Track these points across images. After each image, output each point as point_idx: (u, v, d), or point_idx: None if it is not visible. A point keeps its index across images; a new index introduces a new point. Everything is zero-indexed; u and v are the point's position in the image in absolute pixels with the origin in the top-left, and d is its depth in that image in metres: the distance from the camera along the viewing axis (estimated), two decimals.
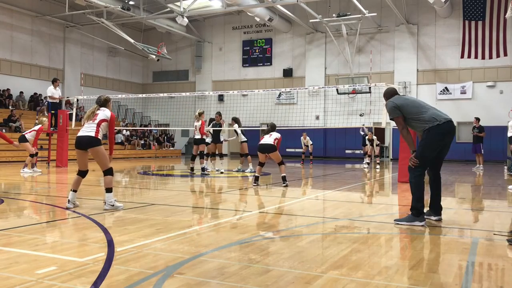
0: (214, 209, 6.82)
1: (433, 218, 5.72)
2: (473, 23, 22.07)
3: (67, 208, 6.37)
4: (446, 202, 6.98)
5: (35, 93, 23.87)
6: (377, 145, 18.19)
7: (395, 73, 24.97)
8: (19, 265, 3.65)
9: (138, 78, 32.02)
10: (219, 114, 14.08)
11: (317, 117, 25.44)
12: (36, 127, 13.09)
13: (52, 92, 16.23)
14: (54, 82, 16.40)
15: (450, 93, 24.12)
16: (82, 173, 6.52)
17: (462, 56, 22.66)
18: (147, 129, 27.52)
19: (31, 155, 12.78)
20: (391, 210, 7.15)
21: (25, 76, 24.32)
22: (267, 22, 25.42)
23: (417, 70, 24.78)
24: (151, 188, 10.13)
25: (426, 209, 5.72)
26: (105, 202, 6.37)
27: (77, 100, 17.63)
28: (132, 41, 23.95)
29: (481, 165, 17.11)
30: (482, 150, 17.24)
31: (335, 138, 25.09)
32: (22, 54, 24.12)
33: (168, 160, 23.80)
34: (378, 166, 17.69)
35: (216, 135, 13.67)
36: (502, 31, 21.64)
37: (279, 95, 27.31)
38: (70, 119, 16.35)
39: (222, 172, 13.44)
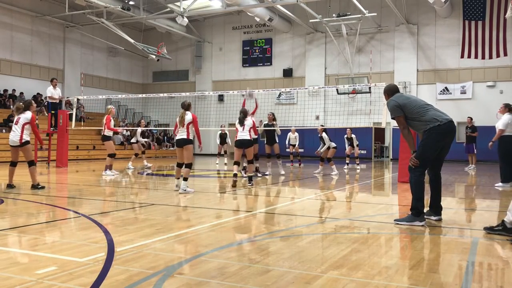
0: (214, 209, 6.82)
1: (433, 218, 5.72)
2: (473, 23, 22.06)
3: (178, 192, 8.46)
4: (446, 202, 6.98)
5: (38, 93, 23.83)
6: (357, 145, 16.81)
7: (395, 73, 24.97)
8: (19, 265, 3.65)
9: (138, 78, 32.02)
10: (272, 114, 13.82)
11: (317, 117, 25.42)
12: (104, 119, 12.66)
13: (51, 92, 16.25)
14: (51, 81, 16.43)
15: (450, 93, 24.12)
16: (180, 165, 8.73)
17: (462, 56, 22.66)
18: (147, 129, 27.48)
19: (110, 155, 12.49)
20: (391, 210, 7.15)
21: (25, 76, 24.32)
22: (267, 22, 25.42)
23: (417, 70, 24.78)
24: (151, 188, 10.13)
25: (426, 209, 5.72)
26: (180, 187, 8.55)
27: (77, 100, 17.63)
28: (132, 41, 23.95)
29: (473, 165, 17.09)
30: (475, 150, 17.22)
31: (335, 138, 24.97)
32: (22, 54, 24.11)
33: (168, 160, 23.79)
34: (358, 168, 16.19)
35: (270, 136, 13.42)
36: (502, 31, 21.64)
37: (279, 95, 27.32)
38: (70, 119, 16.34)
39: (266, 175, 12.92)
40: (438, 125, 5.39)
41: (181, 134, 8.59)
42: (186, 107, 8.77)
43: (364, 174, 14.85)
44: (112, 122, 12.77)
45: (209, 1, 24.49)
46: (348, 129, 16.56)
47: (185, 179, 8.52)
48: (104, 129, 12.59)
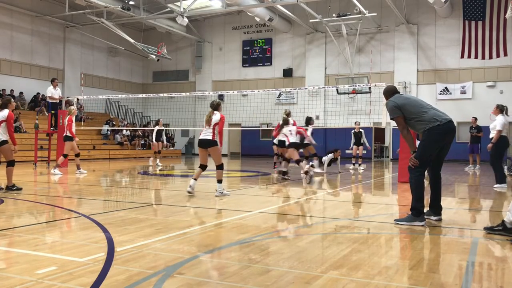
0: (214, 209, 6.82)
1: (433, 218, 5.72)
2: (473, 23, 22.07)
3: (189, 192, 8.04)
4: (446, 202, 6.98)
5: (38, 93, 23.84)
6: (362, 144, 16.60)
7: (395, 73, 24.96)
8: (19, 265, 3.65)
9: (138, 78, 32.02)
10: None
11: (317, 117, 25.41)
12: (66, 120, 13.03)
13: (52, 92, 16.27)
14: (53, 82, 16.46)
15: (450, 93, 24.11)
16: (203, 167, 8.23)
17: (462, 56, 22.66)
18: (147, 129, 27.50)
19: (64, 155, 12.78)
20: (391, 210, 7.15)
21: (25, 76, 24.32)
22: (267, 22, 25.41)
23: (417, 70, 24.78)
24: (151, 188, 10.13)
25: (426, 209, 5.72)
26: (216, 190, 8.12)
27: (77, 100, 17.62)
28: (132, 41, 23.94)
29: (478, 165, 17.03)
30: (480, 150, 17.15)
31: (335, 138, 25.08)
32: (22, 54, 24.11)
33: (168, 160, 23.79)
34: (362, 169, 16.36)
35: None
36: (502, 31, 21.64)
37: (279, 95, 27.32)
38: None
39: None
40: (437, 125, 5.40)
41: (205, 134, 8.07)
42: (215, 106, 8.21)
43: (364, 174, 14.84)
44: (74, 125, 13.16)
45: (209, 1, 24.48)
46: (356, 122, 16.98)
47: (220, 181, 8.14)
48: (66, 130, 12.97)
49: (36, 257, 3.88)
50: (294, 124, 11.98)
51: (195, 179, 8.15)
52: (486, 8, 21.76)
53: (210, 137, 8.00)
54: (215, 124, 8.03)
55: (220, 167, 8.15)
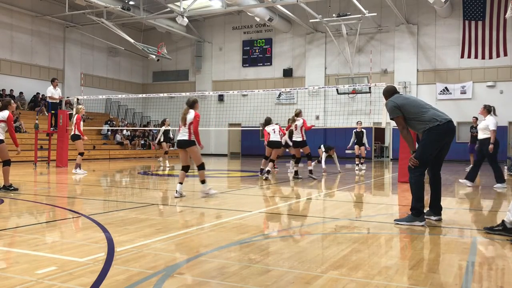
0: (214, 209, 6.82)
1: (433, 218, 5.73)
2: (473, 23, 22.07)
3: (176, 197, 7.71)
4: (446, 202, 6.98)
5: (38, 93, 23.84)
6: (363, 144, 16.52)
7: (395, 73, 24.97)
8: (19, 265, 3.65)
9: (138, 78, 32.02)
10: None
11: (317, 117, 25.43)
12: (74, 119, 13.12)
13: (52, 92, 16.29)
14: (53, 82, 16.49)
15: (450, 93, 24.11)
16: (185, 168, 7.99)
17: (462, 56, 22.66)
18: (147, 129, 27.50)
19: (81, 154, 12.87)
20: (391, 210, 7.15)
21: (25, 76, 24.32)
22: (267, 22, 25.41)
23: (417, 70, 24.78)
24: (151, 188, 10.13)
25: (426, 209, 5.72)
26: (202, 191, 8.02)
27: (77, 100, 17.63)
28: (132, 41, 23.94)
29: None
30: None
31: (335, 138, 25.08)
32: (22, 54, 24.11)
33: (168, 160, 23.75)
34: (364, 169, 16.24)
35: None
36: (502, 31, 21.64)
37: (279, 95, 27.31)
38: (70, 119, 16.33)
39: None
40: (437, 125, 5.40)
41: (182, 135, 7.79)
42: (190, 104, 7.86)
43: (364, 174, 14.83)
44: (82, 124, 13.28)
45: (209, 1, 24.48)
46: (358, 122, 16.92)
47: (203, 181, 7.98)
48: (74, 129, 13.02)
49: (36, 257, 3.88)
50: (304, 123, 12.15)
51: (181, 183, 7.86)
52: (486, 8, 21.77)
53: (186, 137, 7.74)
54: (190, 124, 7.74)
55: (200, 167, 7.92)
